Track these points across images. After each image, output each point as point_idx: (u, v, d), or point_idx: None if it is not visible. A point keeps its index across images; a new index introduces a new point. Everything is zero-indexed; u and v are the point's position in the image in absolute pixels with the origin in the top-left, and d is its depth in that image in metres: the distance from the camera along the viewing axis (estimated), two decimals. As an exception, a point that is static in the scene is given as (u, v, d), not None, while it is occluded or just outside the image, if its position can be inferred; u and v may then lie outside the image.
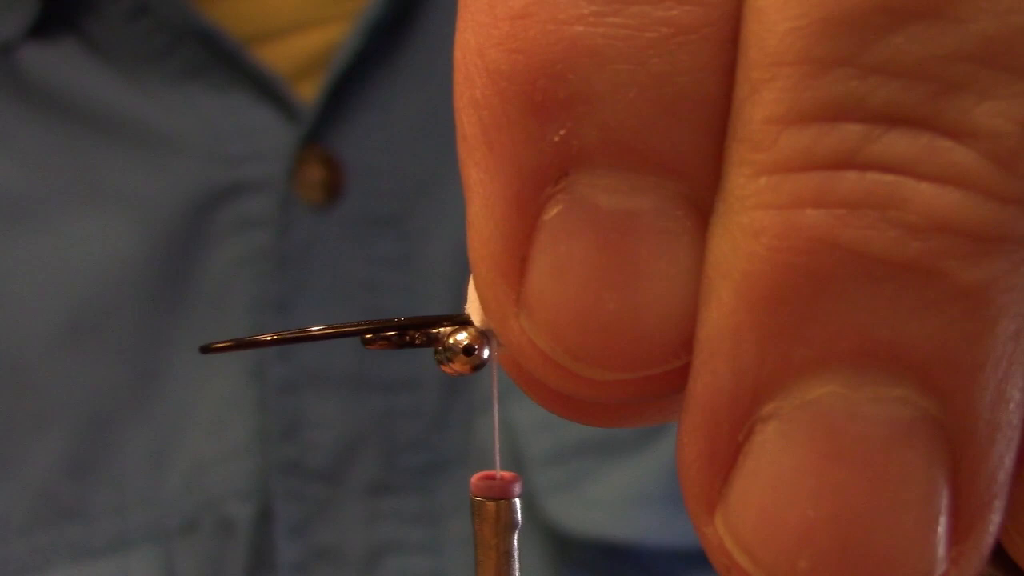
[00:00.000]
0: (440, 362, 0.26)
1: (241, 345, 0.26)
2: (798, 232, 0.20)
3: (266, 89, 0.68)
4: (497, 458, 0.29)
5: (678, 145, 0.21)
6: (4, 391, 0.66)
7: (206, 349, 0.25)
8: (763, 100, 0.20)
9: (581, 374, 0.22)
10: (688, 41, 0.21)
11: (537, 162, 0.21)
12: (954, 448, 0.20)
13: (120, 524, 0.65)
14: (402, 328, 0.26)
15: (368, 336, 0.26)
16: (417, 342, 0.26)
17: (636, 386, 0.23)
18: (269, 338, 0.26)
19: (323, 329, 0.26)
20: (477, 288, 0.23)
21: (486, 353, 0.25)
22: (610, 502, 0.65)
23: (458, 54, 0.23)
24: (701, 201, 0.21)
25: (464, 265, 0.70)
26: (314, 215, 0.67)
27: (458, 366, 0.25)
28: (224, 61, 0.67)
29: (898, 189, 0.20)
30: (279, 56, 0.68)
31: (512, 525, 0.27)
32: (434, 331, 0.26)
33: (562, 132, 0.21)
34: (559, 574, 0.65)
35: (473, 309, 0.26)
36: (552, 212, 0.22)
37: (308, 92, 0.68)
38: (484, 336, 0.25)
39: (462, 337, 0.25)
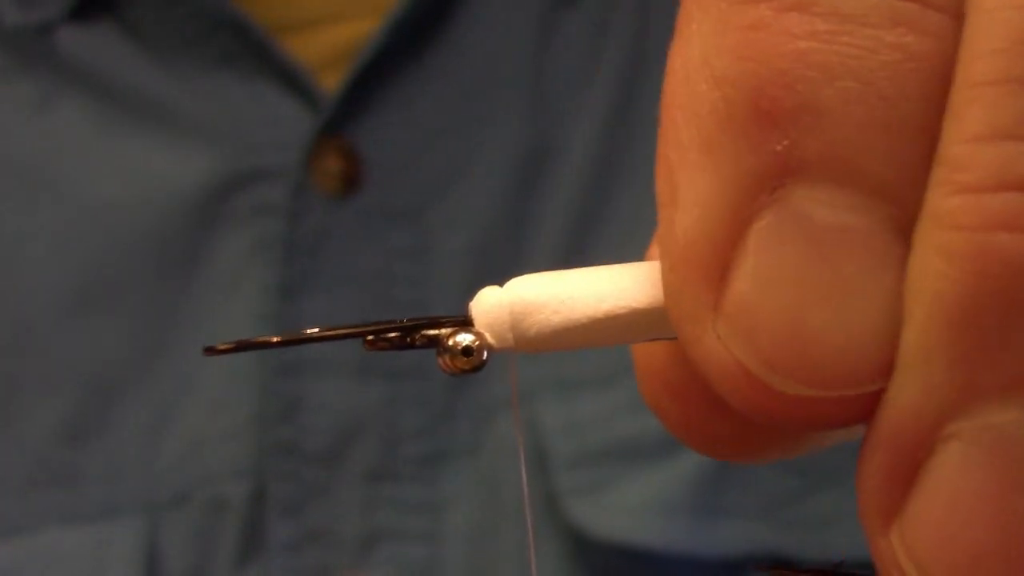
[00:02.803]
0: (441, 364, 0.26)
1: (244, 347, 0.26)
2: (989, 255, 0.20)
3: (291, 79, 0.68)
4: (522, 464, 0.29)
5: (896, 168, 0.21)
6: (9, 352, 0.66)
7: (210, 350, 0.26)
8: (964, 120, 0.21)
9: (774, 386, 0.22)
10: (917, 68, 0.21)
11: (756, 169, 0.22)
12: None
13: (111, 492, 0.65)
14: (403, 330, 0.26)
15: (370, 338, 0.26)
16: (418, 343, 0.26)
17: (824, 406, 0.22)
18: (271, 340, 0.26)
19: (324, 330, 0.26)
20: (669, 291, 0.23)
21: (485, 354, 0.26)
22: (633, 508, 0.65)
23: (676, 62, 0.23)
24: (908, 227, 0.22)
25: (479, 260, 0.71)
26: (330, 205, 0.68)
27: (459, 367, 0.26)
28: (253, 50, 0.68)
29: None
30: (307, 47, 0.69)
31: None
32: (435, 332, 0.26)
33: (785, 142, 0.21)
34: None
35: (477, 313, 0.26)
36: (764, 221, 0.22)
37: (333, 84, 0.69)
38: (484, 338, 0.26)
39: (462, 338, 0.26)
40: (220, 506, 0.65)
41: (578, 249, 0.67)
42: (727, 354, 0.22)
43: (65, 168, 0.68)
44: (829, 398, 0.22)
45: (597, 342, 0.26)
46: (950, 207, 0.21)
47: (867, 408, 0.22)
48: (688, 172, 0.22)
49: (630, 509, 0.65)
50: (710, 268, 0.22)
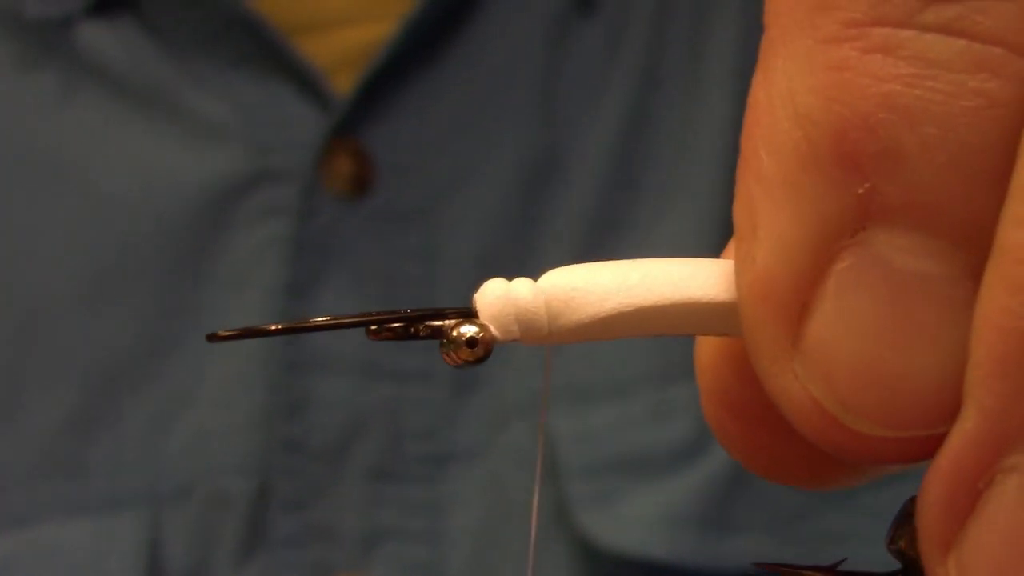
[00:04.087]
0: (444, 355, 0.26)
1: (248, 334, 0.26)
2: None
3: (305, 80, 0.69)
4: (539, 471, 0.29)
5: (976, 216, 0.21)
6: (18, 342, 0.67)
7: (213, 337, 0.26)
8: None
9: (849, 425, 0.23)
10: (999, 115, 0.21)
11: (838, 212, 0.22)
12: None
13: (115, 485, 0.66)
14: (407, 320, 0.26)
15: (373, 327, 0.26)
16: (422, 334, 0.26)
17: (897, 445, 0.23)
18: (275, 327, 0.26)
19: (328, 319, 0.26)
20: (748, 325, 0.24)
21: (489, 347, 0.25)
22: (643, 520, 0.65)
23: (760, 94, 0.23)
24: (983, 271, 0.22)
25: (486, 261, 0.71)
26: (340, 206, 0.69)
27: (462, 359, 0.26)
28: (267, 51, 0.69)
29: None
30: (321, 48, 0.70)
31: None
32: (439, 323, 0.26)
33: (867, 186, 0.22)
34: None
35: (481, 305, 0.26)
36: (844, 263, 0.22)
37: (346, 86, 0.69)
38: (488, 330, 0.26)
39: (466, 330, 0.25)
40: (223, 501, 0.66)
41: (588, 255, 0.67)
42: (804, 392, 0.23)
43: (80, 161, 0.69)
44: (902, 438, 0.23)
45: (630, 333, 0.26)
46: (1017, 241, 0.21)
47: (937, 446, 0.22)
48: (770, 209, 0.23)
49: (640, 521, 0.65)
50: (790, 307, 0.23)
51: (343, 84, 0.69)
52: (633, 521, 0.65)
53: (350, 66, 0.69)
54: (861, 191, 0.22)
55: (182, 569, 0.65)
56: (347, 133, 0.69)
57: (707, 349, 0.28)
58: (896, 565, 0.26)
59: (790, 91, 0.22)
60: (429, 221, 0.69)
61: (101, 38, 0.69)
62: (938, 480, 0.22)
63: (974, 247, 0.22)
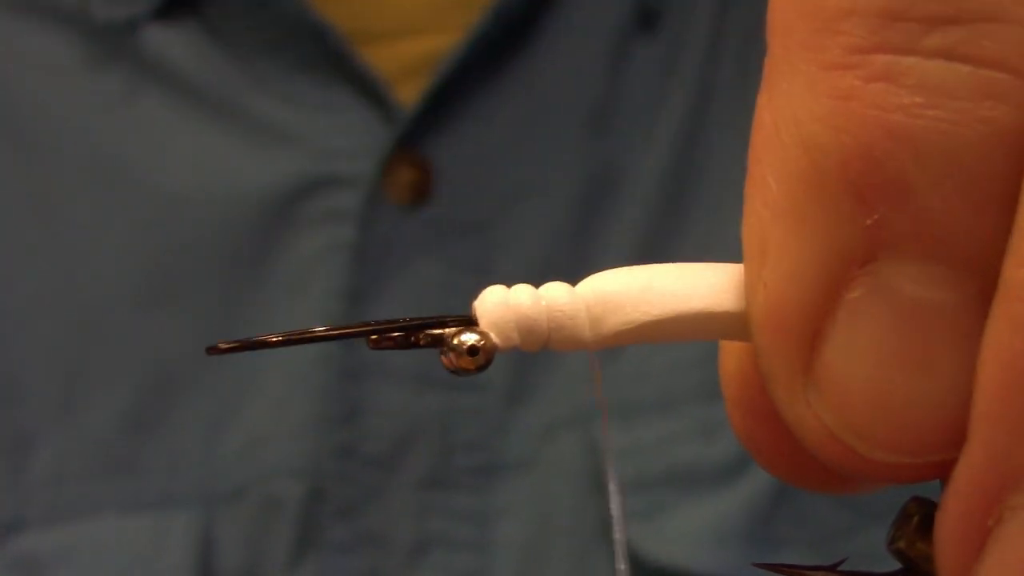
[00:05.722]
0: (446, 362, 0.26)
1: (247, 346, 0.26)
2: None
3: (368, 88, 0.70)
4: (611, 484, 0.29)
5: (983, 245, 0.21)
6: (79, 340, 0.68)
7: (212, 350, 0.26)
8: None
9: (862, 453, 0.23)
10: (1005, 143, 0.21)
11: (847, 243, 0.22)
12: None
13: (169, 483, 0.67)
14: (407, 329, 0.26)
15: (374, 337, 0.26)
16: (422, 343, 0.26)
17: (910, 470, 0.23)
18: (275, 339, 0.26)
19: (328, 330, 0.26)
20: (760, 352, 0.24)
21: (491, 354, 0.25)
22: (689, 535, 0.65)
23: (765, 116, 0.23)
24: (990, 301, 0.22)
25: (541, 275, 0.71)
26: (399, 214, 0.69)
27: (463, 367, 0.26)
28: (331, 58, 0.70)
29: None
30: (385, 57, 0.70)
31: None
32: (439, 332, 0.26)
33: (875, 217, 0.22)
34: None
35: (481, 312, 0.26)
36: (855, 293, 0.22)
37: (408, 95, 0.70)
38: (488, 338, 0.25)
39: (467, 338, 0.25)
40: (276, 504, 0.66)
41: None
42: (817, 420, 0.23)
43: (144, 161, 0.70)
44: (913, 463, 0.23)
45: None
46: (1020, 279, 0.21)
47: (951, 469, 0.22)
48: (780, 235, 0.23)
49: (687, 535, 0.65)
50: (800, 336, 0.23)
51: (406, 93, 0.70)
52: (680, 535, 0.65)
53: (413, 75, 0.70)
54: (869, 222, 0.22)
55: (234, 570, 0.66)
56: (410, 143, 0.69)
57: (731, 358, 0.28)
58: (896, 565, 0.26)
59: (795, 117, 0.22)
60: (486, 233, 0.69)
61: (166, 41, 0.70)
62: (950, 519, 0.22)
63: (983, 274, 0.22)
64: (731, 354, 0.28)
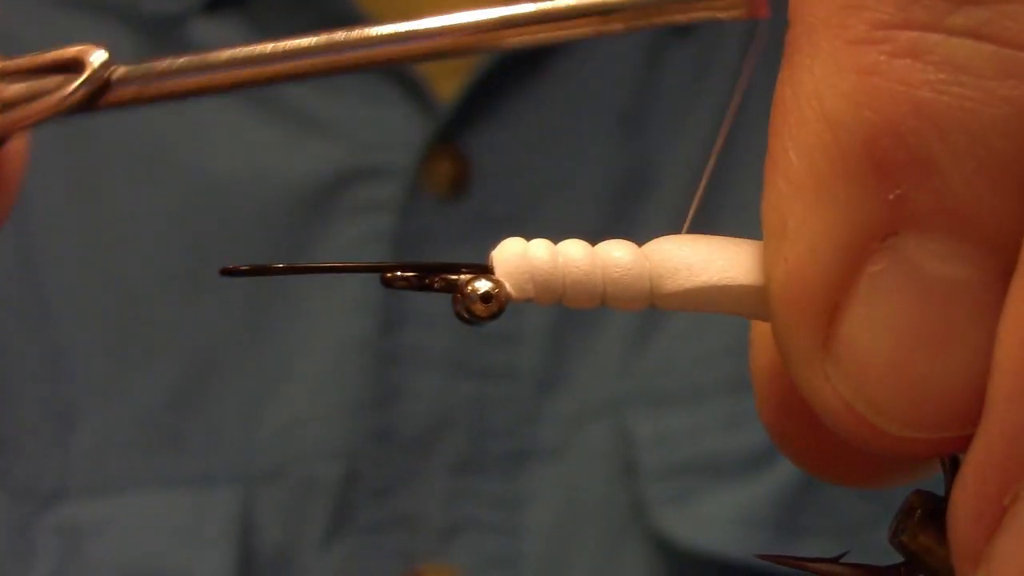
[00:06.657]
0: (458, 309, 0.26)
1: (260, 271, 0.26)
2: None
3: (409, 84, 0.71)
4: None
5: (1006, 223, 0.22)
6: (123, 320, 0.70)
7: (226, 272, 0.26)
8: None
9: (879, 427, 0.23)
10: None
11: (869, 217, 0.22)
12: None
13: (210, 461, 0.68)
14: (422, 269, 0.26)
15: (387, 275, 0.26)
16: (436, 286, 0.26)
17: (926, 444, 0.23)
18: (282, 266, 0.26)
19: (341, 263, 0.26)
20: (779, 328, 0.24)
21: (502, 302, 0.25)
22: (719, 520, 0.66)
23: (787, 91, 0.23)
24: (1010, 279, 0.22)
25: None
26: (438, 206, 0.71)
27: (476, 313, 0.25)
28: None
29: None
30: None
31: None
32: (454, 277, 0.26)
33: (897, 192, 0.22)
34: None
35: (498, 261, 0.26)
36: (876, 267, 0.22)
37: (446, 90, 0.71)
38: (503, 286, 0.25)
39: (481, 285, 0.25)
40: (312, 485, 0.68)
41: None
42: (835, 394, 0.23)
43: (187, 148, 0.71)
44: (931, 439, 0.23)
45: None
46: None
47: (967, 444, 0.22)
48: (800, 210, 0.23)
49: (716, 521, 0.66)
50: (820, 309, 0.23)
51: (444, 88, 0.71)
52: (710, 521, 0.66)
53: (452, 71, 0.71)
54: (892, 197, 0.22)
55: (272, 546, 0.67)
56: (448, 137, 0.71)
57: (763, 353, 0.28)
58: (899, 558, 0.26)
59: (817, 92, 0.22)
60: (520, 227, 0.70)
61: (212, 35, 0.72)
62: (965, 496, 0.22)
63: (1004, 251, 0.22)
64: (762, 349, 0.28)
